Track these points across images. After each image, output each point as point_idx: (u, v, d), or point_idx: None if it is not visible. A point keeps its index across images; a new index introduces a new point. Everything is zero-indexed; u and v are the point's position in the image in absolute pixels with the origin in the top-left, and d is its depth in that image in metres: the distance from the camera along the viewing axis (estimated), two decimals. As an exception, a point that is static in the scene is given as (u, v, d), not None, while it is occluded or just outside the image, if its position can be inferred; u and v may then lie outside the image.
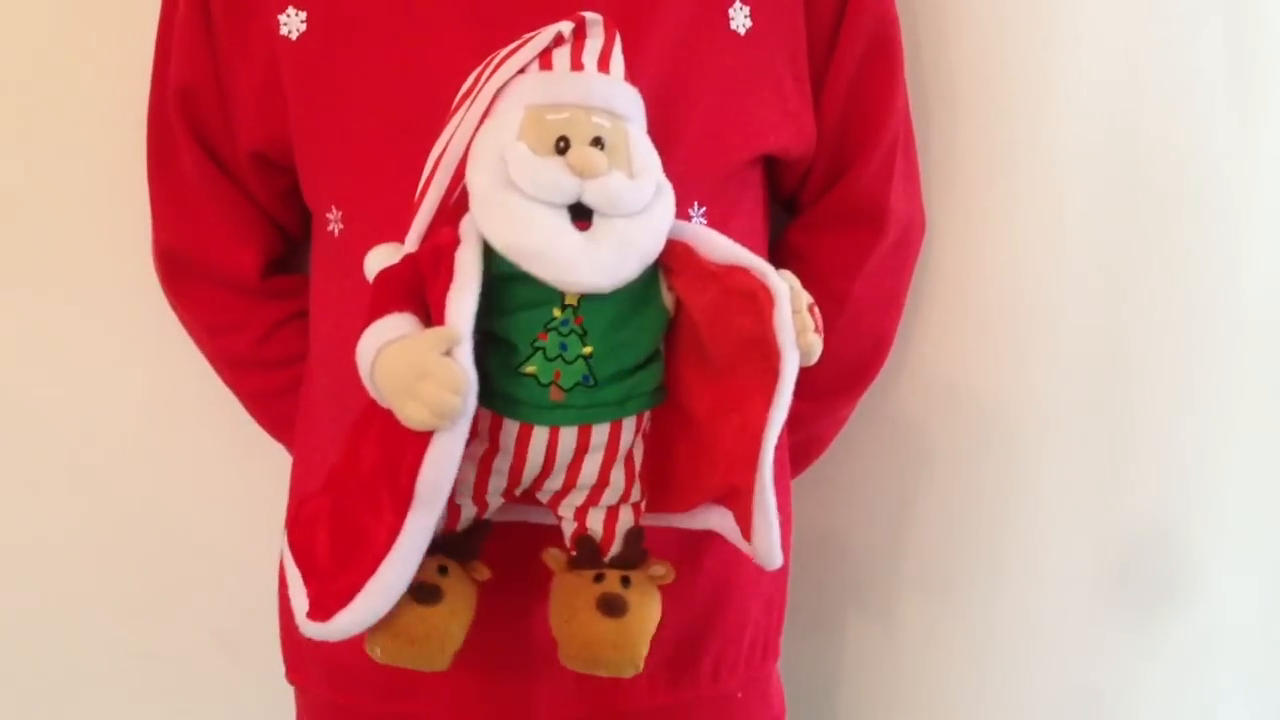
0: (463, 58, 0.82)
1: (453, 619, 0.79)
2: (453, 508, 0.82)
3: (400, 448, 0.72)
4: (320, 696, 1.01)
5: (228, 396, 1.10)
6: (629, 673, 0.81)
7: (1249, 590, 1.20)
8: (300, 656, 1.01)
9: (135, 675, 1.22)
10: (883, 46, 1.01)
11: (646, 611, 0.81)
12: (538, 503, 0.85)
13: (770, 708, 1.05)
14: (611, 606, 0.80)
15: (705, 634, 0.98)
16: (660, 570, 0.83)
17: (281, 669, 1.03)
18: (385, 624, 0.76)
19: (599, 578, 0.82)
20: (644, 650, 0.81)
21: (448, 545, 0.81)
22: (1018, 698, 1.20)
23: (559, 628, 0.82)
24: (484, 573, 0.83)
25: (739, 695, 1.01)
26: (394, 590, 0.74)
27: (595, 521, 0.84)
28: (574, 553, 0.84)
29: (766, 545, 0.79)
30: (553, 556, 0.85)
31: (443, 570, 0.79)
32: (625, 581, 0.81)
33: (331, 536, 0.78)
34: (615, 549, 0.84)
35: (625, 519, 0.84)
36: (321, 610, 0.75)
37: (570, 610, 0.81)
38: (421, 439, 0.71)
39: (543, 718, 0.96)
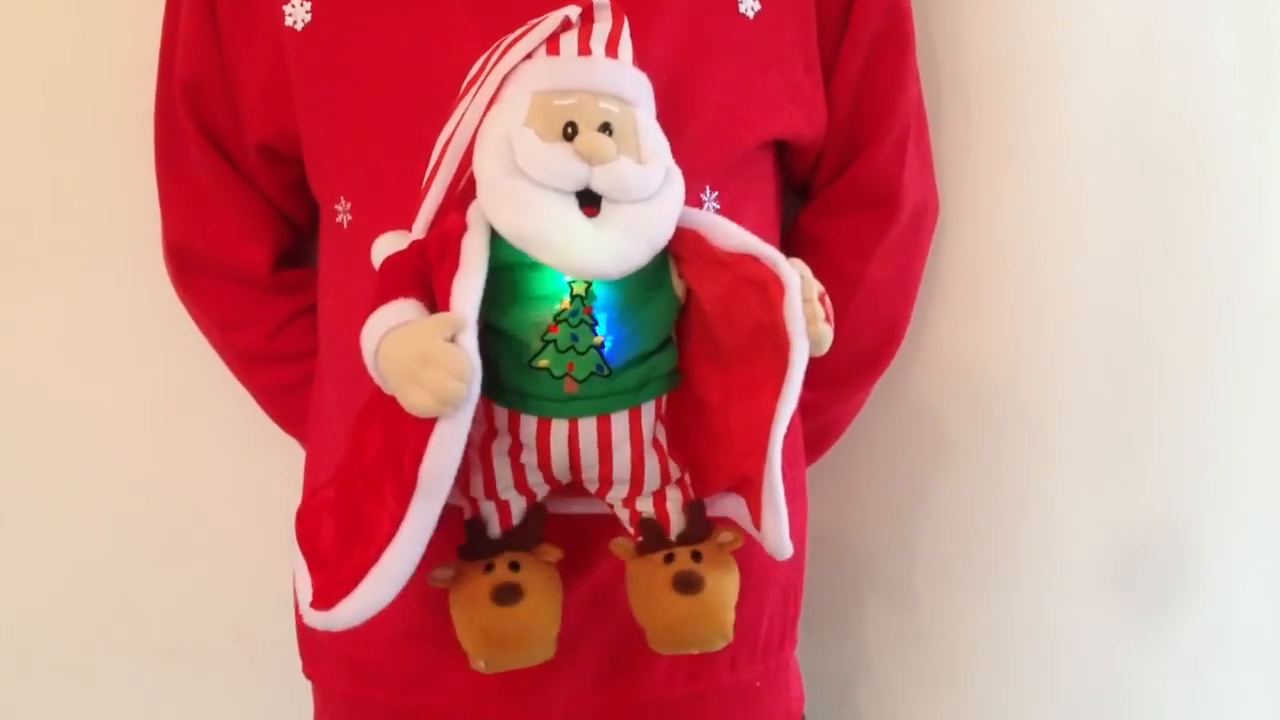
0: (469, 44, 0.82)
1: (540, 609, 0.80)
2: (501, 504, 0.82)
3: (404, 435, 0.71)
4: (338, 691, 1.01)
5: (240, 392, 1.10)
6: (719, 645, 0.81)
7: (1266, 578, 1.19)
8: (317, 651, 1.01)
9: (153, 672, 1.22)
10: (894, 28, 1.00)
11: (724, 582, 0.81)
12: (586, 493, 0.85)
13: (789, 697, 1.05)
14: (687, 584, 0.80)
15: (723, 623, 0.97)
16: (729, 537, 0.83)
17: (299, 664, 1.03)
18: (479, 637, 0.78)
19: (669, 558, 0.82)
20: (729, 619, 0.81)
21: (511, 540, 0.81)
22: (1037, 687, 1.19)
23: (641, 614, 0.82)
24: (554, 553, 0.83)
25: (757, 684, 1.01)
26: (397, 579, 0.73)
27: (645, 507, 0.84)
28: (640, 538, 0.83)
29: (775, 535, 0.78)
30: (620, 546, 0.84)
31: (515, 567, 0.80)
32: (697, 556, 0.81)
33: (336, 525, 0.78)
34: (678, 526, 0.83)
35: (674, 498, 0.84)
36: (325, 599, 0.75)
37: (648, 595, 0.81)
38: (425, 426, 0.70)
39: (561, 709, 0.96)
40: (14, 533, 1.19)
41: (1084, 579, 1.16)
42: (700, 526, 0.83)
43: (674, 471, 0.84)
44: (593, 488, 0.84)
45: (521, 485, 0.82)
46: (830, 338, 0.78)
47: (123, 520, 1.19)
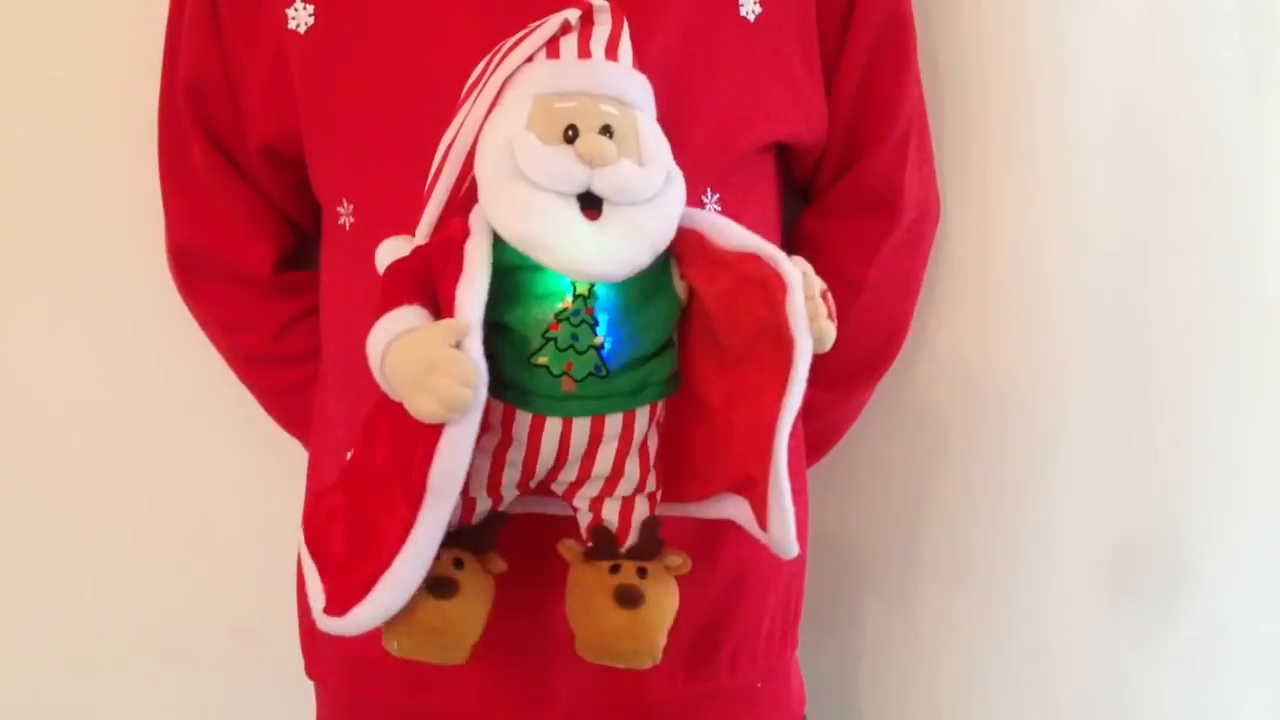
0: (470, 48, 0.82)
1: (469, 612, 0.79)
2: (467, 501, 0.81)
3: (412, 441, 0.71)
4: (340, 690, 1.01)
5: (243, 393, 1.10)
6: (646, 664, 0.81)
7: (1267, 579, 1.19)
8: (320, 651, 1.01)
9: (156, 672, 1.22)
10: (895, 30, 1.00)
11: (663, 602, 0.81)
12: (553, 494, 0.85)
13: (790, 698, 1.05)
14: (628, 598, 0.79)
15: (723, 624, 0.97)
16: (677, 560, 0.83)
17: (301, 664, 1.03)
18: (402, 619, 0.76)
19: (615, 569, 0.81)
20: (661, 641, 0.81)
21: (463, 538, 0.81)
22: (1037, 688, 1.19)
23: (575, 619, 0.82)
24: (500, 565, 0.82)
25: (758, 685, 1.01)
26: (409, 584, 0.74)
27: (611, 512, 0.84)
28: (590, 544, 0.84)
29: (782, 534, 0.78)
30: (568, 548, 0.84)
31: (458, 564, 0.79)
32: (642, 573, 0.81)
33: (346, 531, 0.78)
34: (631, 540, 0.83)
35: (641, 509, 0.84)
36: (338, 605, 0.75)
37: (587, 602, 0.81)
38: (433, 432, 0.70)
39: (562, 708, 0.96)
40: (17, 533, 1.19)
41: (1084, 580, 1.16)
42: (652, 544, 0.83)
43: (650, 484, 0.84)
44: (561, 489, 0.84)
45: (494, 486, 0.81)
46: (833, 335, 0.77)
47: (124, 521, 1.19)
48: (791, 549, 0.79)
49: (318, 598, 0.78)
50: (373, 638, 0.78)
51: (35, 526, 1.19)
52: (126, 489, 1.18)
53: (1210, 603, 1.17)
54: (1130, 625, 1.17)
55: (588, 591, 0.81)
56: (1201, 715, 1.20)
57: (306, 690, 1.05)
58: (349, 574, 0.76)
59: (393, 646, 0.78)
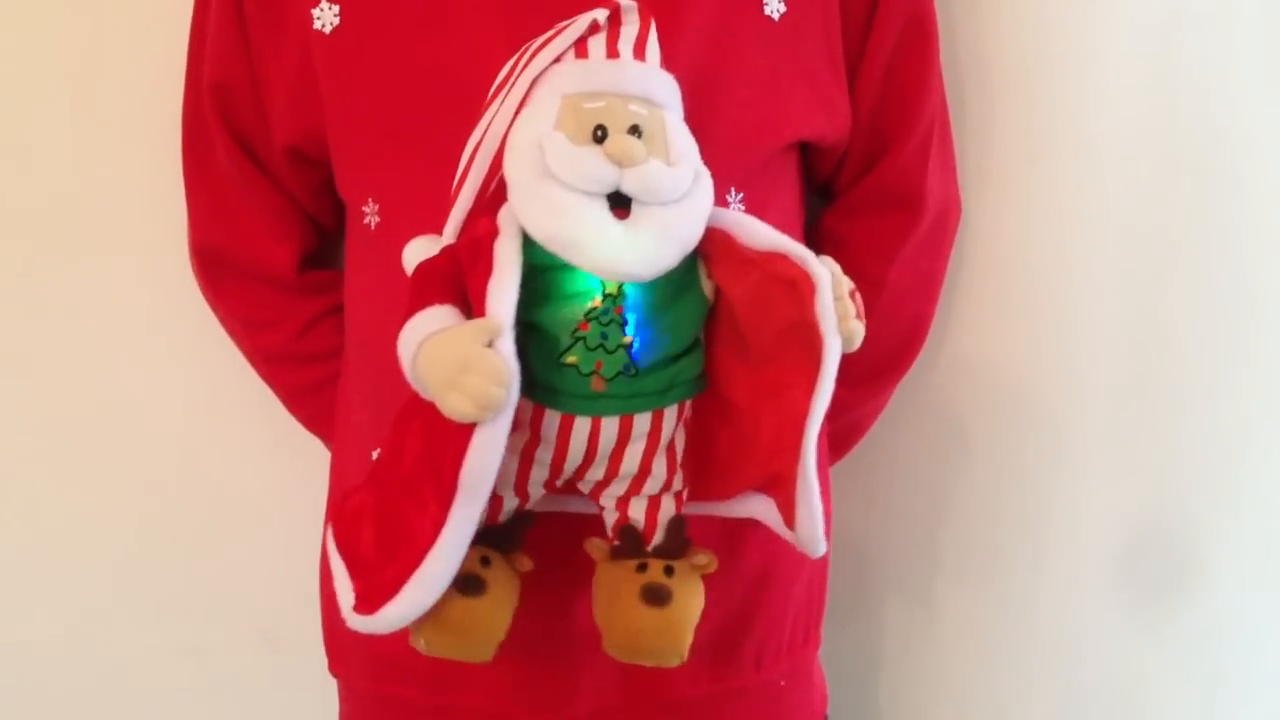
0: (497, 47, 0.82)
1: (496, 610, 0.79)
2: (495, 499, 0.82)
3: (443, 440, 0.71)
4: (363, 688, 1.01)
5: (266, 392, 1.10)
6: (674, 662, 0.81)
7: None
8: (343, 649, 1.01)
9: (179, 670, 1.22)
10: (918, 29, 1.00)
11: (690, 601, 0.81)
12: (579, 493, 0.85)
13: (812, 696, 1.05)
14: (655, 596, 0.80)
15: (747, 622, 0.98)
16: (703, 559, 0.83)
17: (324, 662, 1.03)
18: (429, 616, 0.76)
19: (642, 567, 0.81)
20: (688, 639, 0.81)
21: (490, 537, 0.81)
22: (1058, 687, 1.19)
23: (603, 618, 0.82)
24: (526, 564, 0.83)
25: (781, 683, 1.01)
26: (439, 582, 0.74)
27: (637, 511, 0.84)
28: (617, 542, 0.84)
29: (810, 533, 0.79)
30: (595, 546, 0.85)
31: (485, 562, 0.79)
32: (669, 571, 0.81)
33: (376, 530, 0.78)
34: (658, 538, 0.83)
35: (667, 508, 0.84)
36: (368, 603, 0.76)
37: (614, 600, 0.81)
38: (464, 431, 0.70)
39: (585, 707, 0.96)
40: (42, 531, 1.20)
41: (1104, 577, 1.16)
42: (678, 543, 0.83)
43: (676, 482, 0.84)
44: (588, 488, 0.84)
45: (521, 485, 0.82)
46: (862, 334, 0.78)
47: (149, 518, 1.19)
48: (819, 547, 0.79)
49: (347, 596, 0.78)
50: (396, 635, 0.78)
51: (56, 527, 1.19)
52: (149, 488, 1.19)
53: (1230, 601, 1.17)
54: (1149, 622, 1.17)
55: (615, 590, 0.82)
56: (1219, 712, 1.20)
57: (329, 688, 1.05)
58: (379, 572, 0.76)
59: (419, 644, 0.78)
